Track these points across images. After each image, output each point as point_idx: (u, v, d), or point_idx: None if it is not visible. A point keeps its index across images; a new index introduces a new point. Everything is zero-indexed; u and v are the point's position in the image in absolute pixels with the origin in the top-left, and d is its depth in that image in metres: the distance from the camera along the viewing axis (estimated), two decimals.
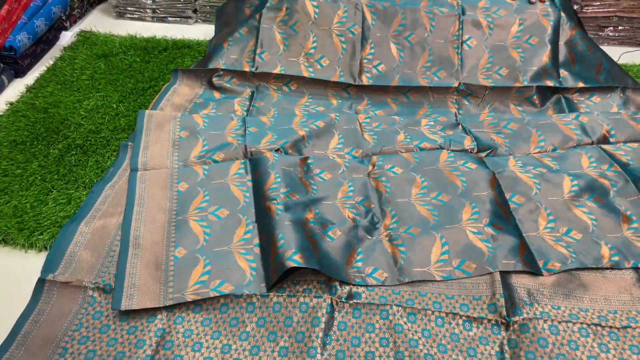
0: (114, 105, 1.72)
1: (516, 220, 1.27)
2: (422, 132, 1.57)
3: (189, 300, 1.11)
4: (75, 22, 2.29)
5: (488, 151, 1.51)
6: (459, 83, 1.73)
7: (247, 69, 1.78)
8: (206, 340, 1.06)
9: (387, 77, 1.76)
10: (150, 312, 1.10)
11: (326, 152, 1.51)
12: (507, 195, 1.33)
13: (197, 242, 1.22)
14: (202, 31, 2.21)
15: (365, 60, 1.78)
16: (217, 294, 1.12)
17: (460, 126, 1.61)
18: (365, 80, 1.76)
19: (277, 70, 1.77)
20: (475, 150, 1.51)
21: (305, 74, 1.77)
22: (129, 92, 1.79)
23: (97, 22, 2.28)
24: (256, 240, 1.24)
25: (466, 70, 1.76)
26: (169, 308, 1.11)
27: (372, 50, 1.78)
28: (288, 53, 1.80)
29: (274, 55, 1.80)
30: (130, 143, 1.51)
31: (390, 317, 1.09)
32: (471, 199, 1.33)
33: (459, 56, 1.76)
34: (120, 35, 2.14)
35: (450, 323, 1.09)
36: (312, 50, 1.79)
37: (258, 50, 1.79)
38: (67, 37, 2.16)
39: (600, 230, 1.26)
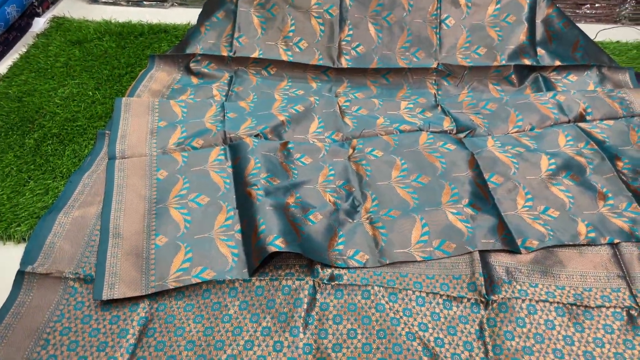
0: (90, 93, 1.69)
1: (495, 199, 1.29)
2: (402, 116, 1.57)
3: (171, 287, 1.11)
4: (47, 8, 2.23)
5: (467, 132, 1.52)
6: (438, 63, 1.73)
7: (224, 53, 1.76)
8: (188, 325, 1.07)
9: (366, 59, 1.75)
10: (133, 301, 1.10)
11: (306, 137, 1.50)
12: (486, 176, 1.34)
13: (178, 230, 1.22)
14: (178, 15, 2.17)
15: (344, 42, 1.76)
16: (199, 281, 1.12)
17: (439, 107, 1.62)
18: (344, 62, 1.74)
19: (255, 55, 1.75)
20: (454, 131, 1.52)
21: (284, 58, 1.75)
22: (105, 78, 1.76)
23: (71, 7, 2.22)
24: (237, 227, 1.24)
25: (445, 50, 1.75)
26: (151, 296, 1.11)
27: (351, 32, 1.77)
28: (266, 37, 1.78)
29: (251, 39, 1.78)
30: (107, 131, 1.49)
31: (372, 297, 1.11)
32: (450, 180, 1.34)
33: (438, 36, 1.75)
34: (95, 21, 2.09)
35: (430, 302, 1.10)
36: (290, 34, 1.77)
37: (236, 35, 1.77)
38: (40, 24, 2.11)
39: (577, 208, 1.28)
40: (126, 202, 1.28)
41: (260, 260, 1.12)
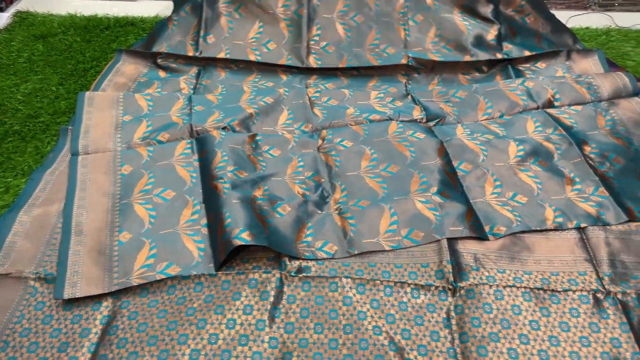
0: (54, 88, 1.65)
1: (464, 187, 1.28)
2: (372, 105, 1.56)
3: (135, 284, 1.09)
4: (11, 2, 2.18)
5: (437, 120, 1.51)
6: (409, 58, 1.71)
7: (191, 53, 1.73)
8: (152, 320, 1.05)
9: (335, 56, 1.73)
10: (95, 299, 1.08)
11: (275, 128, 1.48)
12: (455, 163, 1.34)
13: (143, 226, 1.19)
14: (146, 7, 2.13)
15: (312, 42, 1.74)
16: (164, 277, 1.10)
17: (409, 96, 1.61)
18: (313, 62, 1.72)
19: (222, 55, 1.72)
20: (424, 120, 1.51)
21: (252, 58, 1.73)
22: (70, 73, 1.72)
23: (35, 1, 2.16)
24: (204, 221, 1.21)
25: (415, 46, 1.74)
26: (115, 294, 1.09)
27: (319, 32, 1.75)
28: (233, 37, 1.75)
29: (219, 38, 1.75)
30: (70, 127, 1.45)
31: (340, 290, 1.09)
32: (419, 168, 1.33)
33: (406, 32, 1.74)
34: (60, 15, 2.04)
35: (398, 292, 1.10)
36: (258, 35, 1.75)
37: (202, 33, 1.74)
38: (3, 19, 2.06)
39: (545, 193, 1.28)
40: (89, 199, 1.25)
41: (226, 254, 1.10)
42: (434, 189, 1.28)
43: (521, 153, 1.37)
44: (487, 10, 1.77)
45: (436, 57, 1.72)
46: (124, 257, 1.13)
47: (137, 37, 1.90)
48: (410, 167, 1.34)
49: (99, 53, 1.82)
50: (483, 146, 1.39)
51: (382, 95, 1.61)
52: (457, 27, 1.75)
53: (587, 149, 1.39)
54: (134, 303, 1.08)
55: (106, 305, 1.07)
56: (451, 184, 1.30)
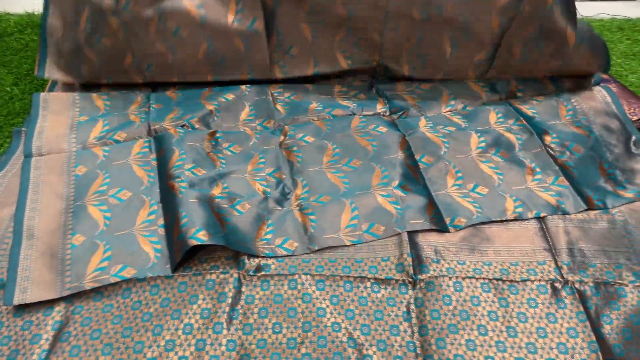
0: (8, 89, 1.60)
1: (425, 180, 1.28)
2: (335, 99, 1.54)
3: (88, 288, 1.06)
4: None
5: (401, 112, 1.50)
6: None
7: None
8: (106, 327, 1.02)
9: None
10: (47, 304, 1.04)
11: (236, 124, 1.46)
12: (417, 156, 1.33)
13: (97, 228, 1.16)
14: None
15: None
16: (118, 280, 1.07)
17: (374, 89, 1.59)
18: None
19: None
20: (388, 113, 1.50)
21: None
22: (25, 73, 1.67)
23: None
24: (161, 221, 1.19)
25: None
26: (68, 299, 1.06)
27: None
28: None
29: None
30: (24, 129, 1.41)
31: (299, 287, 1.08)
32: (381, 162, 1.32)
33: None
34: (17, 13, 1.98)
35: (358, 287, 1.08)
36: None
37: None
38: None
39: (506, 184, 1.28)
40: (42, 201, 1.21)
41: (181, 255, 1.08)
42: (396, 182, 1.27)
43: (483, 144, 1.37)
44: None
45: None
46: (77, 261, 1.10)
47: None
48: (372, 161, 1.33)
49: None
50: (445, 138, 1.38)
51: (345, 89, 1.59)
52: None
53: (548, 138, 1.39)
54: (88, 308, 1.05)
55: (58, 310, 1.04)
56: (413, 177, 1.30)
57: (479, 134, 1.39)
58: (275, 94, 1.56)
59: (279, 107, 1.51)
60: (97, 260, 1.10)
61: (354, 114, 1.48)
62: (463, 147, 1.36)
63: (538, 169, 1.31)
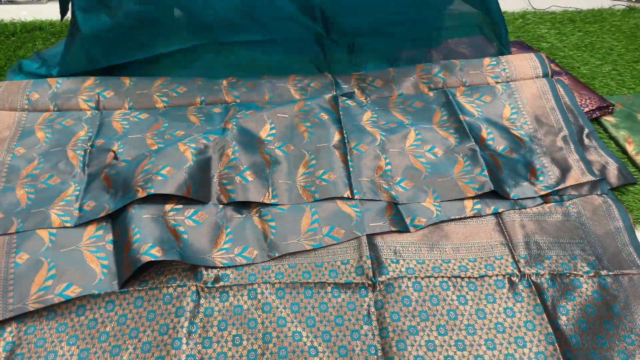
0: None
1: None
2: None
3: (32, 309, 1.02)
4: None
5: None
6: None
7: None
8: (61, 348, 0.99)
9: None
10: None
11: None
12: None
13: (42, 245, 1.12)
14: (55, 11, 2.01)
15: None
16: (63, 299, 1.04)
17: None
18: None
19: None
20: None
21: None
22: None
23: None
24: (109, 237, 1.16)
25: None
26: (20, 318, 1.02)
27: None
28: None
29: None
30: None
31: (259, 297, 1.07)
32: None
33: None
34: None
35: (319, 292, 1.08)
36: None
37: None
38: None
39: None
40: None
41: (132, 271, 1.05)
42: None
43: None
44: None
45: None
46: (20, 280, 1.06)
47: (46, 42, 1.80)
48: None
49: (4, 61, 1.71)
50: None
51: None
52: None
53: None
54: (41, 328, 1.02)
55: (10, 331, 1.00)
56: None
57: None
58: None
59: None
60: (41, 278, 1.07)
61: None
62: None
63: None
